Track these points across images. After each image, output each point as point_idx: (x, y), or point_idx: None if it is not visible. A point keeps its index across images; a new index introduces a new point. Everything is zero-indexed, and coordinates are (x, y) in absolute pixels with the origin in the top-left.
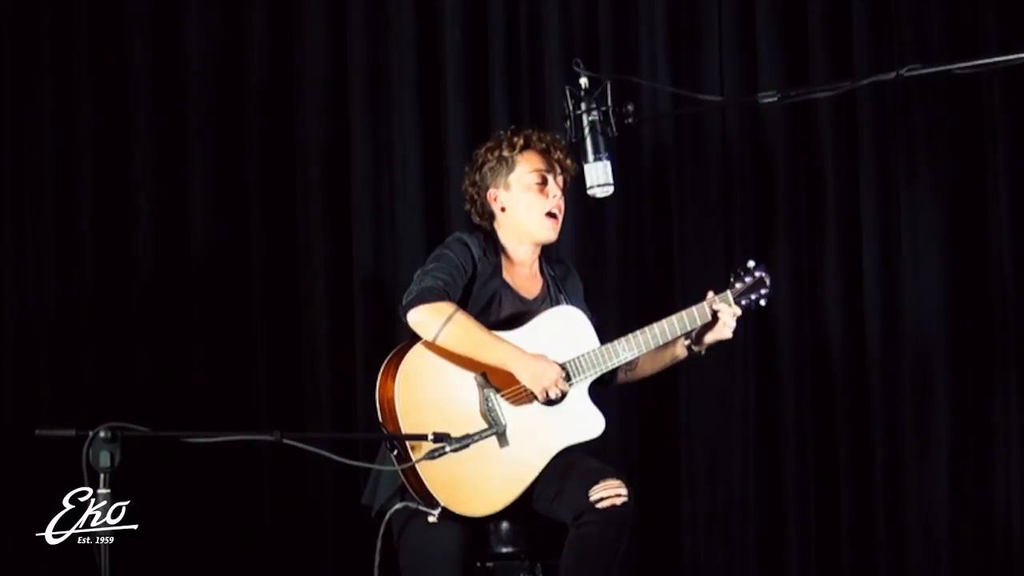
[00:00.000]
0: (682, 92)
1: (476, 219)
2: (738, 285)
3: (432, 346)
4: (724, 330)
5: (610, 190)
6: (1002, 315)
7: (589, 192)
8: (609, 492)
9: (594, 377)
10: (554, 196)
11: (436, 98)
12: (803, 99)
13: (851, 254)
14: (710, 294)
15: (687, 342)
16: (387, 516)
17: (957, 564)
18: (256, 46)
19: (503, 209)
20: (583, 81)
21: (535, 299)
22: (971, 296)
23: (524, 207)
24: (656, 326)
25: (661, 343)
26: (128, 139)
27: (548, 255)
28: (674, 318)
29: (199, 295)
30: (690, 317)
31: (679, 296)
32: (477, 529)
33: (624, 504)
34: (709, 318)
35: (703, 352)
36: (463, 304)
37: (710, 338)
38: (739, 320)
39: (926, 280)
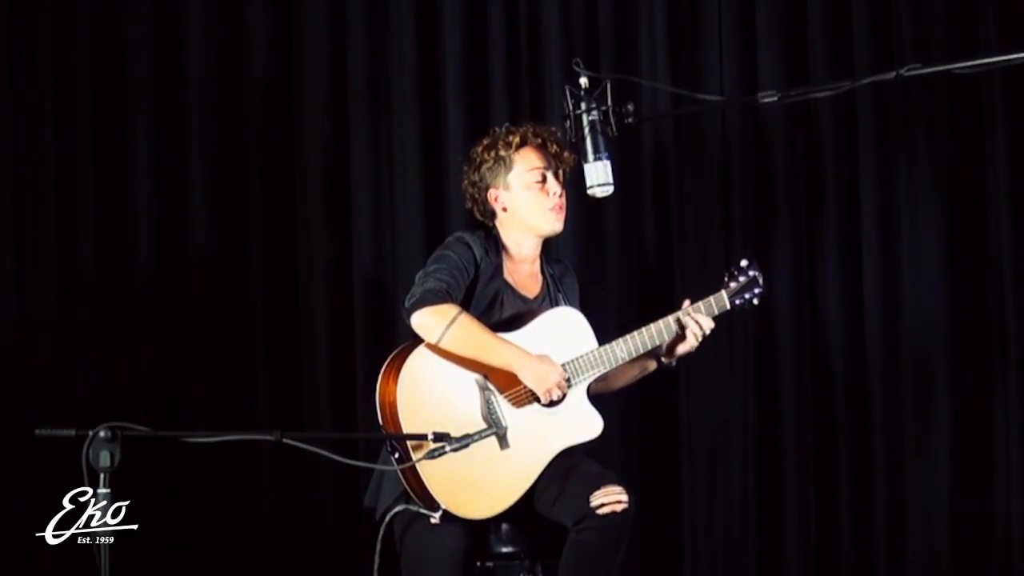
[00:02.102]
0: (682, 92)
1: (478, 216)
2: (732, 284)
3: (433, 348)
4: (692, 341)
5: (610, 190)
6: (1001, 314)
7: (589, 192)
8: (610, 499)
9: (593, 378)
10: (555, 193)
11: (436, 98)
12: (803, 99)
13: (851, 254)
14: (686, 303)
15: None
16: (388, 518)
17: (956, 564)
18: (256, 46)
19: (504, 209)
20: (583, 81)
21: (535, 298)
22: (971, 296)
23: (526, 206)
24: (653, 326)
25: (658, 342)
26: (128, 139)
27: (548, 254)
28: (670, 318)
29: (199, 295)
30: (683, 320)
31: (679, 296)
32: (478, 529)
33: (624, 511)
34: (707, 317)
35: (674, 363)
36: (465, 304)
37: (681, 348)
38: (739, 318)
39: (926, 280)
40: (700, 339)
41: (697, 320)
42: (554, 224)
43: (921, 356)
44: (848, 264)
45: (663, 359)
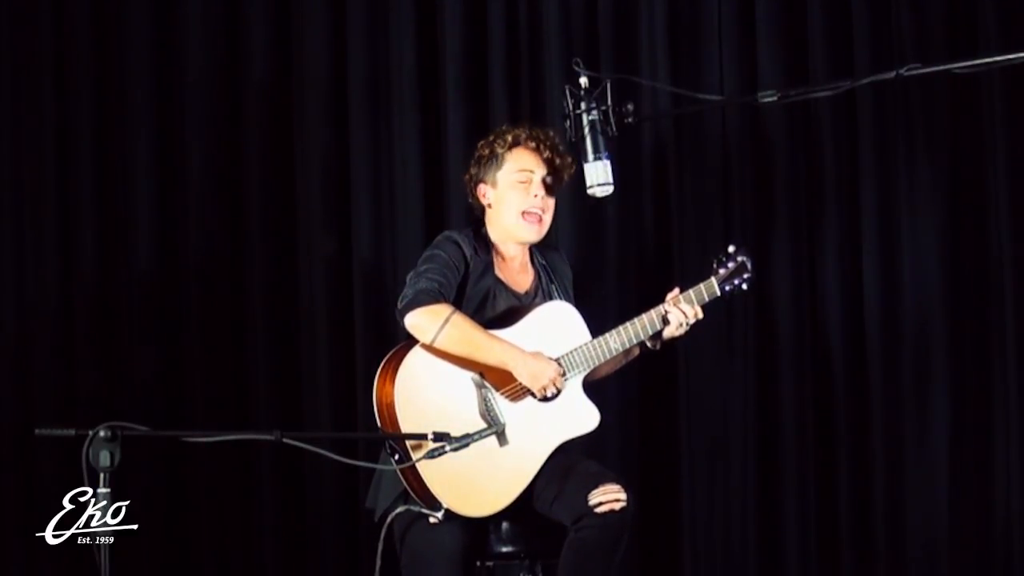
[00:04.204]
0: (682, 92)
1: (474, 209)
2: (721, 271)
3: (429, 348)
4: (680, 329)
5: (610, 189)
6: (1001, 314)
7: (589, 191)
8: (608, 497)
9: (588, 371)
10: (535, 196)
11: (436, 98)
12: (803, 98)
13: (851, 253)
14: (672, 293)
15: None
16: (389, 520)
17: (957, 563)
18: (256, 47)
19: (489, 205)
20: (583, 81)
21: (527, 293)
22: (970, 294)
23: (506, 206)
24: (645, 316)
25: (651, 332)
26: (128, 139)
27: (546, 241)
28: (662, 307)
29: (199, 295)
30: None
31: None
32: (477, 528)
33: (623, 509)
34: (698, 305)
35: (658, 347)
36: (457, 303)
37: (667, 332)
38: (739, 318)
39: (925, 278)
40: (687, 327)
41: (682, 310)
42: (525, 233)
43: (921, 355)
44: (848, 264)
45: (647, 343)
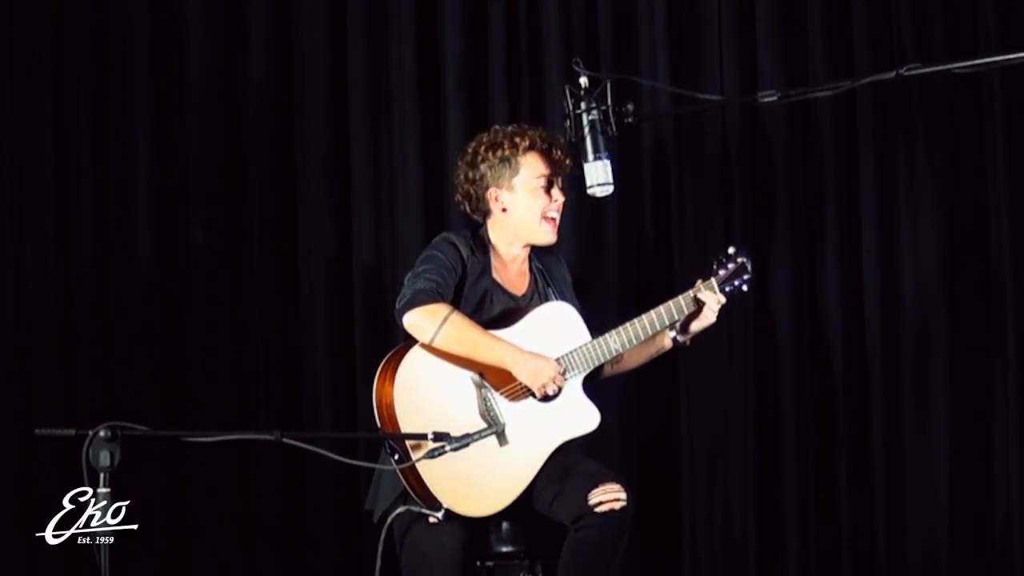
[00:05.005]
0: (682, 92)
1: (469, 212)
2: (721, 272)
3: (429, 348)
4: (709, 316)
5: (610, 189)
6: (1001, 314)
7: (589, 191)
8: (608, 496)
9: (587, 371)
10: (556, 200)
11: (436, 98)
12: (803, 98)
13: (851, 253)
14: (698, 282)
15: (672, 332)
16: (389, 520)
17: (956, 563)
18: (256, 47)
19: (504, 210)
20: (583, 80)
21: (523, 296)
22: (971, 295)
23: (526, 210)
24: (645, 317)
25: (651, 333)
26: (128, 139)
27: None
28: (662, 308)
29: (199, 295)
30: (677, 306)
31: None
32: (477, 528)
33: (623, 509)
34: (695, 306)
35: (688, 342)
36: (454, 304)
37: (695, 327)
38: (739, 318)
39: (925, 279)
40: (715, 314)
41: (719, 298)
42: (548, 236)
43: (921, 355)
44: (848, 264)
45: (678, 338)
